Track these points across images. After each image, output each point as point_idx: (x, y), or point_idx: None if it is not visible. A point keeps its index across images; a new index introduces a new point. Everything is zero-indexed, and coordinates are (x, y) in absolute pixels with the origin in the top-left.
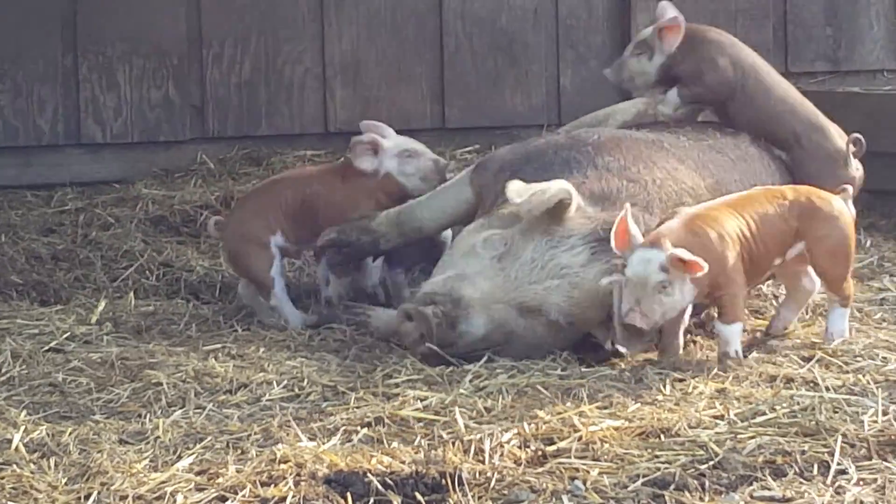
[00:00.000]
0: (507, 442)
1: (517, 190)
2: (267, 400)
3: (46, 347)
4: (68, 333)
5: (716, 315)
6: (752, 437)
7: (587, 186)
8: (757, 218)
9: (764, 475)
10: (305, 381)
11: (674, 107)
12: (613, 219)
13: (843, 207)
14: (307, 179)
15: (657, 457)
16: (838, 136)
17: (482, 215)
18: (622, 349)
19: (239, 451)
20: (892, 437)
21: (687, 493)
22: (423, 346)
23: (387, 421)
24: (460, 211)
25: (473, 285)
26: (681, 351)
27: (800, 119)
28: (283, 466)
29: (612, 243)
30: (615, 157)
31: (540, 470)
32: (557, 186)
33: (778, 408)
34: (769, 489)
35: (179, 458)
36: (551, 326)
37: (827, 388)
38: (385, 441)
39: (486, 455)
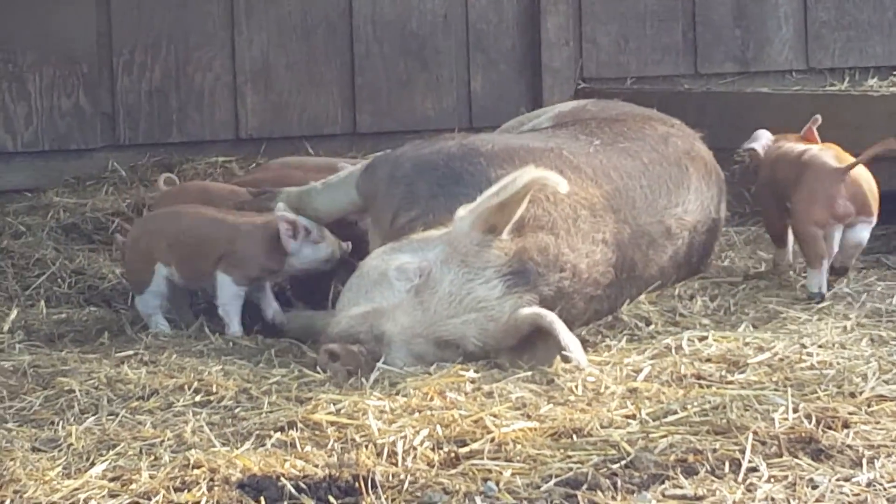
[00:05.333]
0: (420, 444)
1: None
2: (180, 406)
3: None
4: None
5: None
6: (664, 436)
7: None
8: None
9: (676, 474)
10: (218, 386)
11: None
12: (525, 251)
13: None
14: None
15: (569, 457)
16: None
17: (386, 236)
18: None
19: (152, 457)
20: (802, 435)
21: (599, 493)
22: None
23: (300, 425)
24: (348, 209)
25: (393, 320)
26: None
27: None
28: (196, 472)
29: None
30: (508, 170)
31: (453, 472)
32: (529, 175)
33: (689, 406)
34: (681, 487)
35: (93, 464)
36: (466, 356)
37: (741, 386)
38: (298, 445)
39: (399, 457)
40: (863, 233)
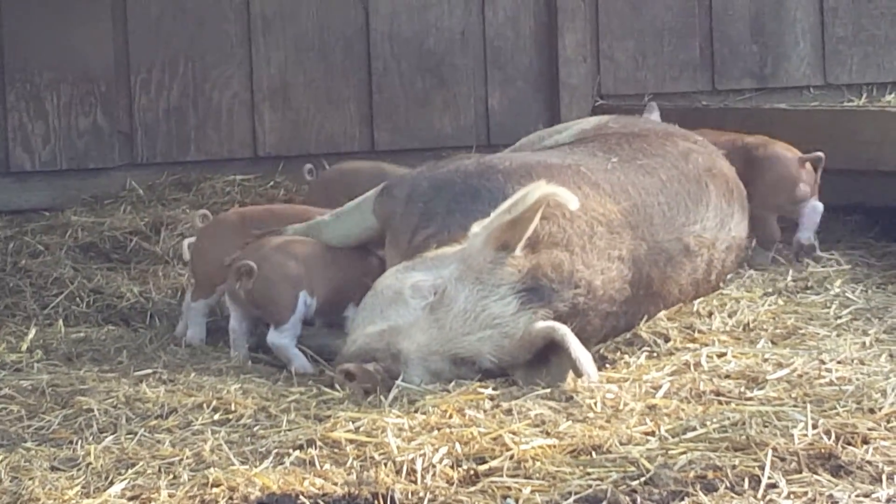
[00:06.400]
0: (439, 462)
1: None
2: (199, 424)
3: None
4: None
5: None
6: (683, 453)
7: None
8: None
9: (695, 490)
10: (237, 404)
11: None
12: (539, 268)
13: None
14: None
15: (589, 474)
16: None
17: (404, 254)
18: None
19: (171, 476)
20: (822, 451)
21: None
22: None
23: (319, 443)
24: (364, 236)
25: (409, 338)
26: None
27: None
28: (215, 490)
29: None
30: (525, 186)
31: (472, 489)
32: (540, 190)
33: (708, 423)
34: None
35: (111, 483)
36: (482, 373)
37: (760, 402)
38: (317, 463)
39: (419, 475)
40: (819, 207)
